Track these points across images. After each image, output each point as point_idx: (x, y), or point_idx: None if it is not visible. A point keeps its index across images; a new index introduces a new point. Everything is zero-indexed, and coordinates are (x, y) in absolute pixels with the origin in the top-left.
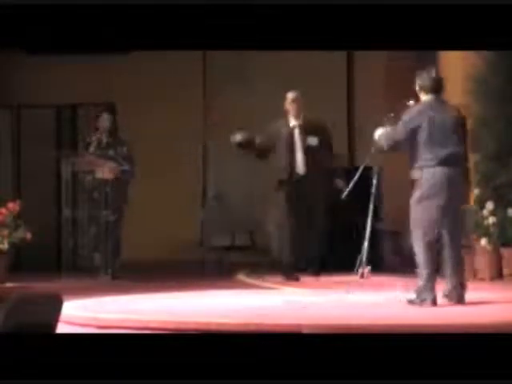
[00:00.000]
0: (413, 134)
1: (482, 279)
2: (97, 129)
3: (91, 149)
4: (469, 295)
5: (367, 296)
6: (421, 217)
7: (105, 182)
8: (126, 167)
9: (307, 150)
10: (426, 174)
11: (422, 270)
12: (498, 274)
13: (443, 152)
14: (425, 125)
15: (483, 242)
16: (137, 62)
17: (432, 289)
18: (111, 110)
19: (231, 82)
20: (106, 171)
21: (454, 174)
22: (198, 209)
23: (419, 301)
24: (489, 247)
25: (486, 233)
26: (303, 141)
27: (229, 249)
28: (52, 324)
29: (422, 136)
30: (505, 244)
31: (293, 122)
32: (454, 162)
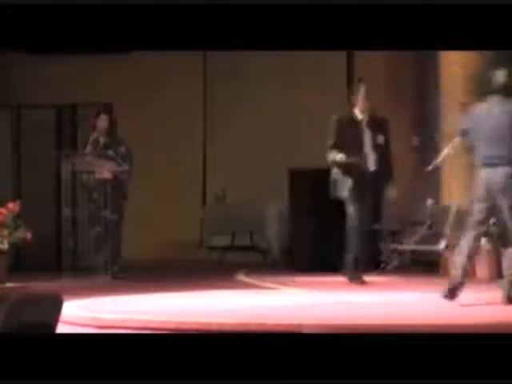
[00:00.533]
0: (465, 133)
1: (482, 279)
2: (94, 129)
3: (88, 149)
4: (468, 295)
5: (367, 296)
6: (471, 216)
7: (104, 181)
8: (126, 167)
9: (375, 146)
10: (477, 174)
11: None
12: (498, 274)
13: (487, 153)
14: (474, 125)
15: (483, 242)
16: (137, 62)
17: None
18: (109, 110)
19: (231, 81)
20: (105, 171)
21: (497, 175)
22: (198, 209)
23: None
24: (489, 247)
25: (486, 233)
26: (372, 136)
27: (229, 249)
28: (52, 324)
29: (472, 136)
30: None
31: (360, 116)
32: (497, 164)
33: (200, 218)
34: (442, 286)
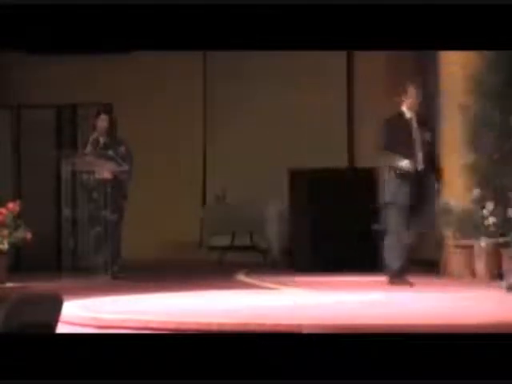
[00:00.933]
0: None
1: (482, 279)
2: (94, 129)
3: (88, 149)
4: (468, 295)
5: (368, 296)
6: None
7: (104, 181)
8: (126, 167)
9: (424, 143)
10: None
11: None
12: (498, 274)
13: None
14: None
15: (483, 241)
16: (137, 62)
17: None
18: (108, 110)
19: (231, 81)
20: (105, 171)
21: None
22: (198, 209)
23: None
24: (489, 247)
25: (486, 233)
26: (421, 134)
27: (229, 249)
28: (52, 324)
29: None
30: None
31: (408, 114)
32: None
33: (200, 218)
34: (441, 286)
